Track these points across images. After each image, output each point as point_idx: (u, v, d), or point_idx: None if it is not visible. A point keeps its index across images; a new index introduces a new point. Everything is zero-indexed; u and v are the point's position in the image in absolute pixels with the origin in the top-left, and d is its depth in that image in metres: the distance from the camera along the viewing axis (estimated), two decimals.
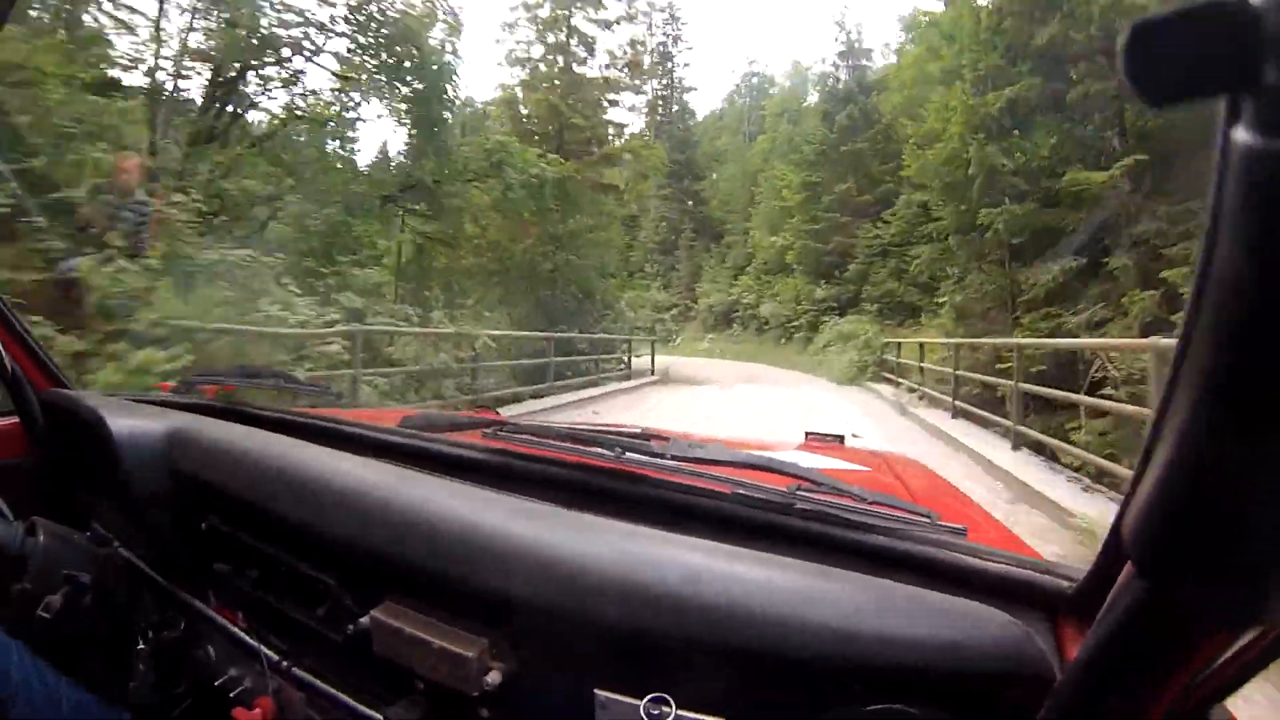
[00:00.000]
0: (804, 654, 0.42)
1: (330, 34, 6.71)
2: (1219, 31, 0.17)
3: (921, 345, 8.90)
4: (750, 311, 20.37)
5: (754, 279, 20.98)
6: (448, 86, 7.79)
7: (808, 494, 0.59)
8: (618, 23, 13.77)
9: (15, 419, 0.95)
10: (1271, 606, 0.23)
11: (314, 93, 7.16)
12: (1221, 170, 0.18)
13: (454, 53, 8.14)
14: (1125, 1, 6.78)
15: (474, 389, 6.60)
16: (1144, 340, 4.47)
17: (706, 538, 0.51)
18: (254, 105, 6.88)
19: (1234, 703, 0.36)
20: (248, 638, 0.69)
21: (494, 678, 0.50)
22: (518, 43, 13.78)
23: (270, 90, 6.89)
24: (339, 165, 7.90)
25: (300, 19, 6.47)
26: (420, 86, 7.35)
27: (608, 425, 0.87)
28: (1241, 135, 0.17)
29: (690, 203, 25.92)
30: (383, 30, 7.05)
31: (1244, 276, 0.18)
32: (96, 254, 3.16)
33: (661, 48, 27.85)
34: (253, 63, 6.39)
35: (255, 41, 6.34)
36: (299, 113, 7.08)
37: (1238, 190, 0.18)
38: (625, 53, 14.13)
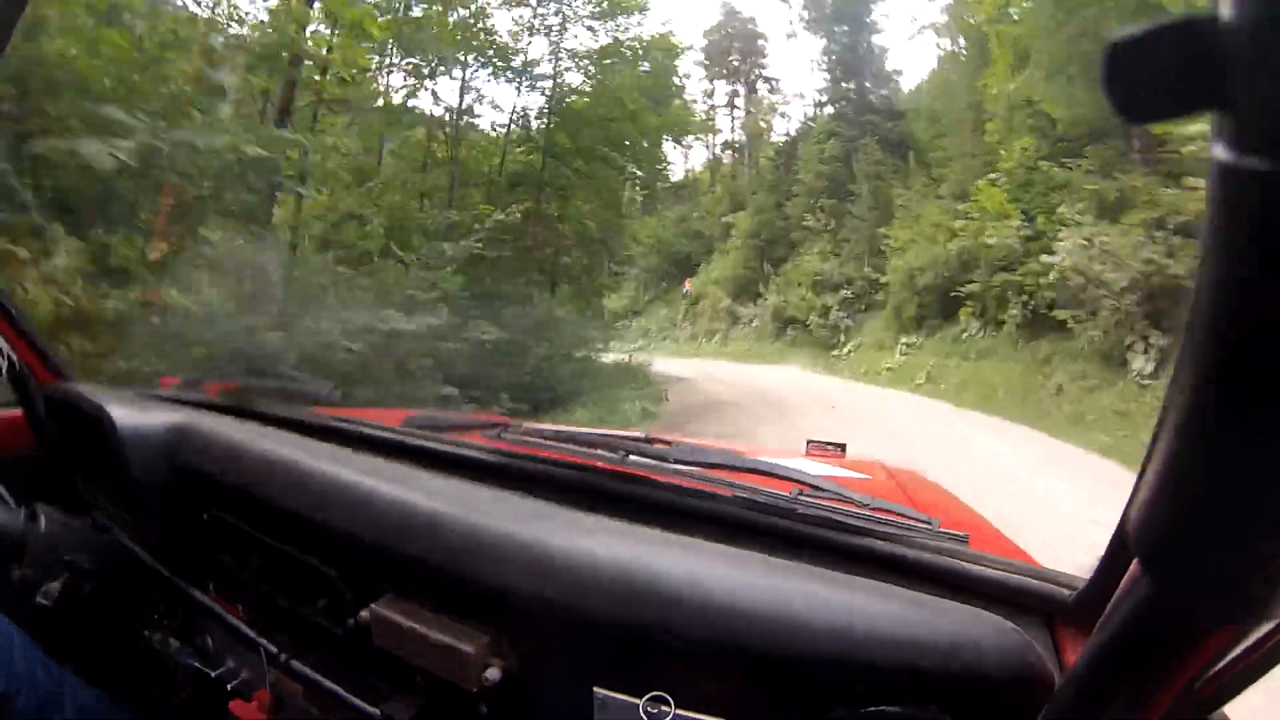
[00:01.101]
0: (804, 656, 0.50)
1: None
2: (1192, 48, 0.19)
3: None
4: (1006, 277, 9.96)
5: (1011, 187, 10.68)
6: None
7: (810, 499, 0.67)
8: None
9: (19, 411, 1.12)
10: (1270, 607, 0.28)
11: None
12: (1208, 185, 0.21)
13: None
14: None
15: None
16: None
17: (708, 540, 0.60)
18: None
19: (1235, 709, 0.42)
20: (247, 630, 0.81)
21: (493, 674, 0.58)
22: None
23: None
24: None
25: None
26: None
27: (610, 430, 1.01)
28: (1218, 151, 0.19)
29: (871, 115, 17.08)
30: None
31: (1226, 284, 0.21)
32: None
33: None
34: None
35: None
36: None
37: (1215, 203, 0.20)
38: None
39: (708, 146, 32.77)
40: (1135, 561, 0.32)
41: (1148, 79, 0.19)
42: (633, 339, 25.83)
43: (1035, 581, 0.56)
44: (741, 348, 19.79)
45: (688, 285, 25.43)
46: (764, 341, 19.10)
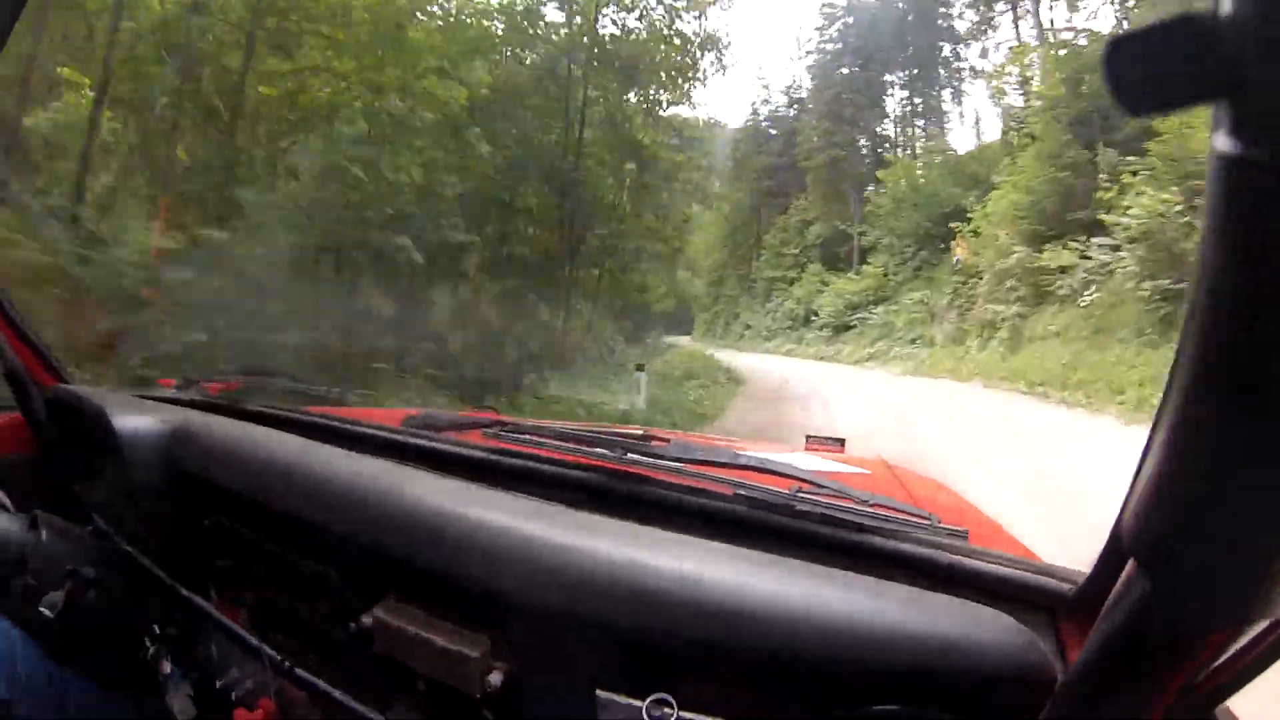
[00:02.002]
0: (805, 655, 0.50)
1: None
2: (1195, 41, 0.19)
3: None
4: None
5: None
6: None
7: (808, 495, 0.67)
8: None
9: (19, 414, 1.12)
10: (1268, 604, 0.28)
11: None
12: (1209, 176, 0.21)
13: None
14: None
15: None
16: None
17: (707, 538, 0.60)
18: None
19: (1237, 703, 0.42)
20: (249, 636, 0.80)
21: (496, 678, 0.59)
22: None
23: None
24: None
25: None
26: None
27: (608, 427, 0.99)
28: (1221, 142, 0.20)
29: None
30: None
31: (1227, 278, 0.22)
32: None
33: None
34: None
35: None
36: None
37: (1219, 195, 0.20)
38: None
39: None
40: (1131, 561, 0.33)
41: (1151, 71, 0.19)
42: (868, 339, 17.30)
43: (1036, 576, 0.56)
44: (1051, 360, 9.21)
45: (959, 251, 15.77)
46: (1111, 337, 8.48)
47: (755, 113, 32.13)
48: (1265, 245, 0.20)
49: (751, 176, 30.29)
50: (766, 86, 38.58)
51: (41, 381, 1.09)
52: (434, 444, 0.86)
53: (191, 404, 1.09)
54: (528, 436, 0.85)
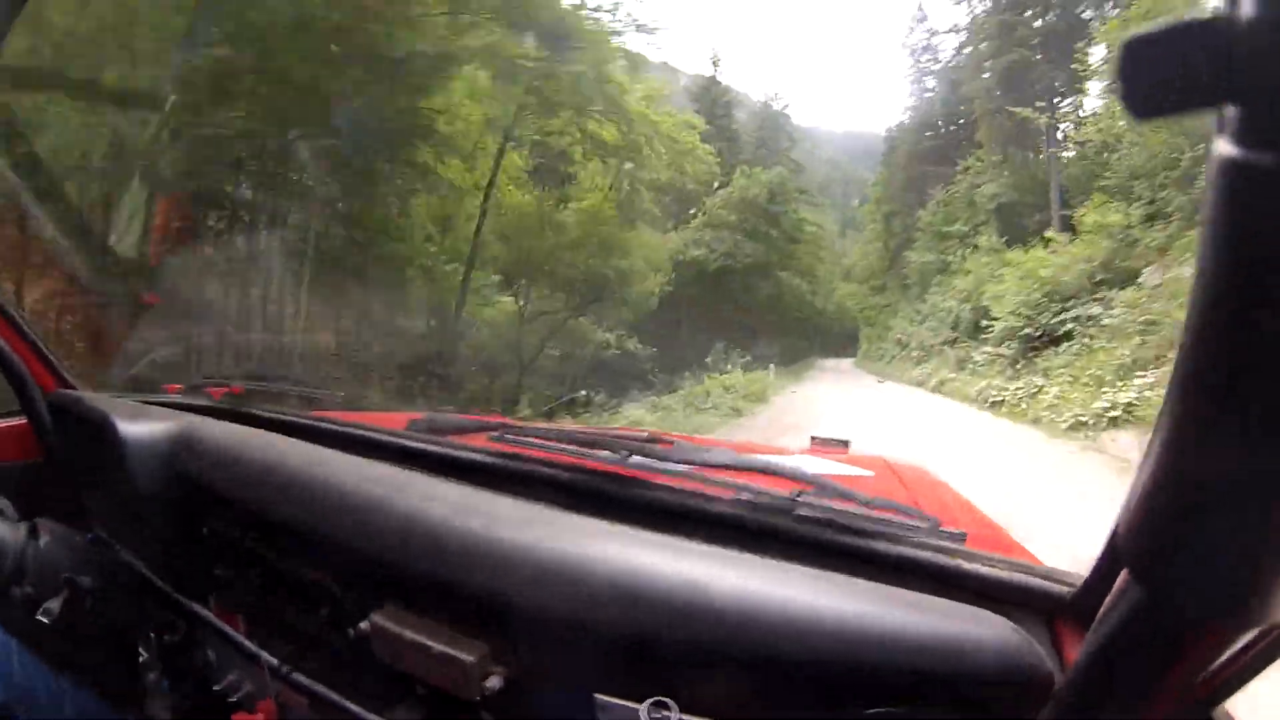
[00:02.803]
0: (805, 658, 0.51)
1: None
2: (1202, 47, 0.19)
3: None
4: None
5: None
6: None
7: (810, 499, 0.69)
8: None
9: (23, 420, 1.14)
10: (1263, 607, 0.29)
11: None
12: (1209, 181, 0.21)
13: None
14: None
15: None
16: None
17: (709, 542, 0.62)
18: None
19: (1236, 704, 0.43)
20: (248, 643, 0.82)
21: (494, 682, 0.60)
22: None
23: None
24: None
25: None
26: None
27: (613, 429, 1.04)
28: (1223, 147, 0.20)
29: None
30: None
31: (1226, 285, 0.22)
32: None
33: None
34: None
35: None
36: None
37: (1218, 200, 0.21)
38: None
39: None
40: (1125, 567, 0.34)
41: (1160, 76, 0.20)
42: (1109, 363, 7.60)
43: (1034, 579, 0.56)
44: None
45: None
46: None
47: (915, 58, 26.99)
48: (1265, 252, 0.19)
49: (910, 138, 23.89)
50: (930, 31, 31.88)
51: (45, 386, 1.10)
52: (439, 448, 0.88)
53: (195, 409, 1.10)
54: (533, 440, 0.87)
